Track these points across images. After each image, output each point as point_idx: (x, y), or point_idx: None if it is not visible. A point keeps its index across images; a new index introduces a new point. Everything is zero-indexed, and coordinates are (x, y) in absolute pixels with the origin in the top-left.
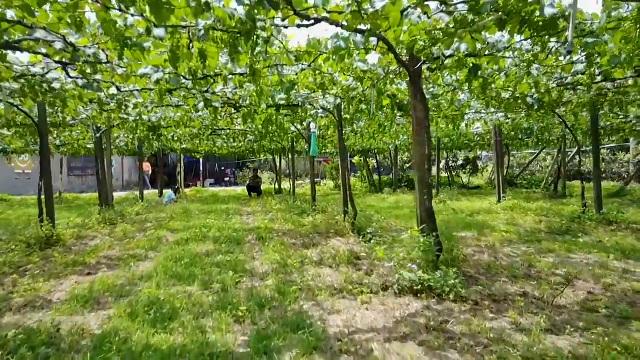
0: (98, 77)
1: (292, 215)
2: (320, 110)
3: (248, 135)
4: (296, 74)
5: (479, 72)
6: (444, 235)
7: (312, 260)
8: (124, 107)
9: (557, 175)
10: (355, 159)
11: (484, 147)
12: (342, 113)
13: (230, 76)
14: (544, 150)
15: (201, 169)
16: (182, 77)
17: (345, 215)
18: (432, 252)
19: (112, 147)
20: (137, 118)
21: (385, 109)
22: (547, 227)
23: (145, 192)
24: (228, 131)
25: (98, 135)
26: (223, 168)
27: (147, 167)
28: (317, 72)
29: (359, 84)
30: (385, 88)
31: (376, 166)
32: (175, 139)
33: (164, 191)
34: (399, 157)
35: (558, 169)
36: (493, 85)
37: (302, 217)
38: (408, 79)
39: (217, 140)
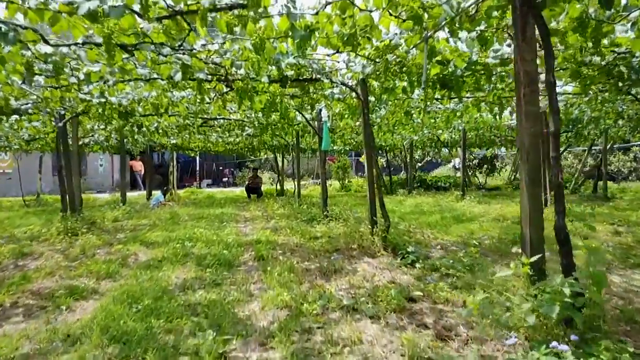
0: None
1: (299, 223)
2: (337, 90)
3: (246, 128)
4: (316, 12)
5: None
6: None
7: (340, 303)
8: (75, 84)
9: (597, 175)
10: (363, 157)
11: (506, 145)
12: (368, 93)
13: (212, 14)
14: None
15: (198, 168)
16: (133, 13)
17: (373, 227)
18: (576, 312)
19: (92, 142)
20: (103, 101)
21: (423, 85)
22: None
23: (137, 193)
24: (222, 121)
25: (60, 124)
26: (221, 168)
27: (139, 166)
28: (348, 15)
29: (404, 37)
30: (438, 48)
31: (385, 165)
32: (161, 131)
33: (153, 192)
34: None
35: (598, 169)
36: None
37: (311, 225)
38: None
39: (210, 134)
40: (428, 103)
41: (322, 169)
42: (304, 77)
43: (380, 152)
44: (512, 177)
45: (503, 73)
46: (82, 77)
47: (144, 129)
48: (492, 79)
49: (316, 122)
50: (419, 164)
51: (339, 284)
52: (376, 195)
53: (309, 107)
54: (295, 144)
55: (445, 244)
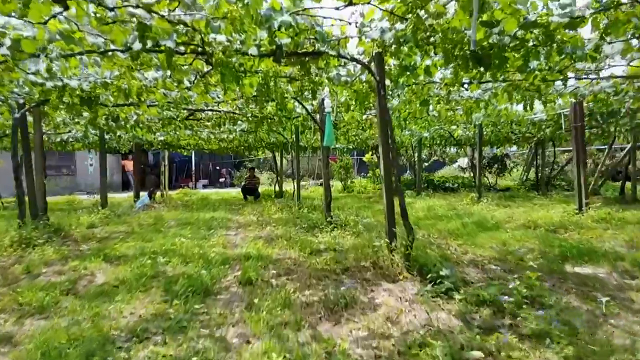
0: None
1: (298, 231)
2: (344, 72)
3: (239, 122)
4: None
5: None
6: None
7: None
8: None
9: (624, 175)
10: (367, 157)
11: (522, 143)
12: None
13: None
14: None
15: (193, 168)
16: None
17: (391, 240)
18: None
19: (72, 139)
20: (60, 84)
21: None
22: None
23: (127, 194)
24: (210, 114)
25: (17, 114)
26: (218, 168)
27: (131, 165)
28: None
29: None
30: None
31: None
32: (142, 126)
33: (140, 194)
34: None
35: (626, 168)
36: None
37: (313, 234)
38: None
39: (199, 129)
40: (453, 88)
41: (324, 168)
42: (304, 49)
43: (372, 149)
44: (524, 178)
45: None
46: (8, 43)
47: (122, 122)
48: (542, 52)
49: (318, 115)
50: (426, 164)
51: (353, 329)
52: (395, 200)
53: (309, 94)
54: (294, 141)
55: (479, 260)
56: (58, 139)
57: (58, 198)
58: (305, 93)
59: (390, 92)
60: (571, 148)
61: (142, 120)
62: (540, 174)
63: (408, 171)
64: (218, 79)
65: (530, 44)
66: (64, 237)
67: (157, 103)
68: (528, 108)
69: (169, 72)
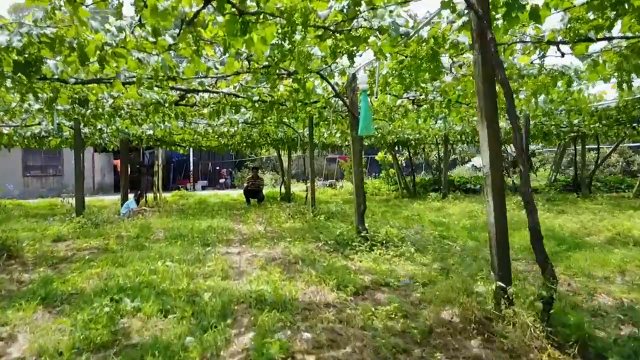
0: None
1: (322, 250)
2: (401, 21)
3: (242, 109)
4: None
5: None
6: None
7: None
8: None
9: None
10: (379, 155)
11: (572, 139)
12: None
13: None
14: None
15: (191, 168)
16: None
17: (506, 283)
18: None
19: (44, 132)
20: None
21: None
22: None
23: (117, 197)
24: (206, 98)
25: None
26: (218, 168)
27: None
28: None
29: None
30: None
31: (403, 164)
32: (122, 113)
33: (129, 196)
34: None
35: None
36: None
37: (345, 255)
38: None
39: (194, 119)
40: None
41: (357, 167)
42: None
43: (398, 148)
44: (553, 178)
45: None
46: None
47: (94, 107)
48: None
49: (348, 96)
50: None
51: None
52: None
53: (337, 68)
54: (304, 136)
55: (626, 311)
56: (28, 133)
57: (39, 201)
58: (340, 53)
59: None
60: (611, 145)
61: (121, 106)
62: (580, 174)
63: (423, 171)
64: (215, 32)
65: None
66: (9, 259)
67: (134, 78)
68: (625, 87)
69: (137, 17)
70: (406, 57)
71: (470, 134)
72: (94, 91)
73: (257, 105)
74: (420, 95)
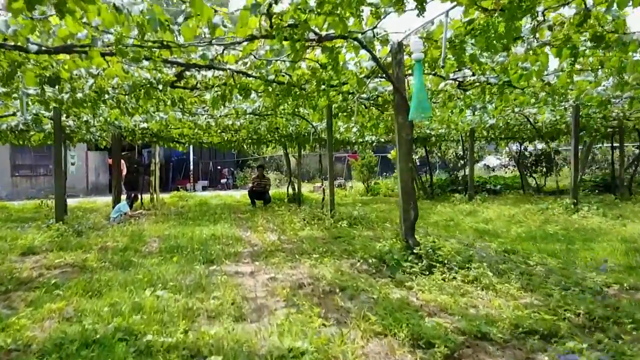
0: None
1: (360, 270)
2: None
3: (253, 95)
4: None
5: None
6: None
7: None
8: None
9: None
10: (393, 154)
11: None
12: None
13: None
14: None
15: (192, 168)
16: None
17: None
18: None
19: (23, 126)
20: None
21: None
22: None
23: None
24: (209, 78)
25: None
26: (219, 167)
27: (121, 165)
28: None
29: None
30: None
31: (417, 163)
32: (108, 99)
33: (122, 198)
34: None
35: None
36: None
37: (395, 279)
38: None
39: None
40: None
41: (405, 158)
42: None
43: (415, 145)
44: (579, 178)
45: None
46: None
47: (69, 87)
48: None
49: (394, 70)
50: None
51: None
52: None
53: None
54: (324, 126)
55: None
56: (4, 126)
57: (25, 203)
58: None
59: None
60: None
61: (105, 89)
62: (619, 173)
63: (437, 169)
64: None
65: None
66: None
67: (112, 47)
68: None
69: None
70: (486, 11)
71: (501, 129)
72: (66, 66)
73: (271, 88)
74: (473, 75)
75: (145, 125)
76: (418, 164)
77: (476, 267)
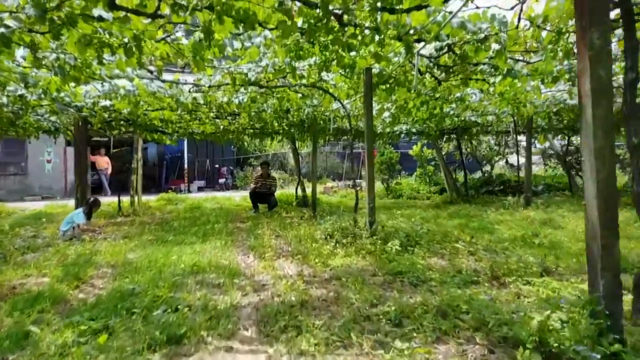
0: None
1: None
2: None
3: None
4: None
5: None
6: None
7: None
8: None
9: None
10: (415, 149)
11: None
12: None
13: None
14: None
15: (186, 166)
16: None
17: None
18: None
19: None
20: None
21: None
22: None
23: (104, 199)
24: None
25: None
26: (217, 166)
27: (104, 162)
28: None
29: None
30: None
31: (446, 157)
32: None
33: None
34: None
35: None
36: None
37: None
38: None
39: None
40: None
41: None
42: None
43: (442, 136)
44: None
45: None
46: None
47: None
48: None
49: None
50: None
51: None
52: None
53: None
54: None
55: None
56: None
57: None
58: None
59: None
60: None
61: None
62: None
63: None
64: None
65: None
66: None
67: None
68: None
69: None
70: None
71: (564, 116)
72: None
73: (288, 19)
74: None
75: (107, 103)
76: (447, 159)
77: None
